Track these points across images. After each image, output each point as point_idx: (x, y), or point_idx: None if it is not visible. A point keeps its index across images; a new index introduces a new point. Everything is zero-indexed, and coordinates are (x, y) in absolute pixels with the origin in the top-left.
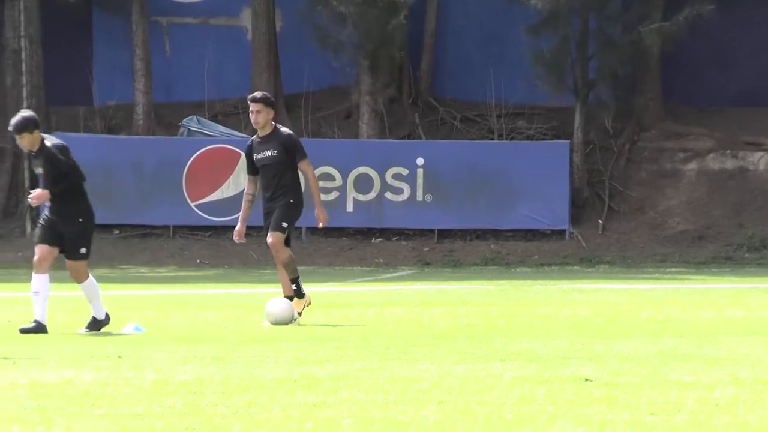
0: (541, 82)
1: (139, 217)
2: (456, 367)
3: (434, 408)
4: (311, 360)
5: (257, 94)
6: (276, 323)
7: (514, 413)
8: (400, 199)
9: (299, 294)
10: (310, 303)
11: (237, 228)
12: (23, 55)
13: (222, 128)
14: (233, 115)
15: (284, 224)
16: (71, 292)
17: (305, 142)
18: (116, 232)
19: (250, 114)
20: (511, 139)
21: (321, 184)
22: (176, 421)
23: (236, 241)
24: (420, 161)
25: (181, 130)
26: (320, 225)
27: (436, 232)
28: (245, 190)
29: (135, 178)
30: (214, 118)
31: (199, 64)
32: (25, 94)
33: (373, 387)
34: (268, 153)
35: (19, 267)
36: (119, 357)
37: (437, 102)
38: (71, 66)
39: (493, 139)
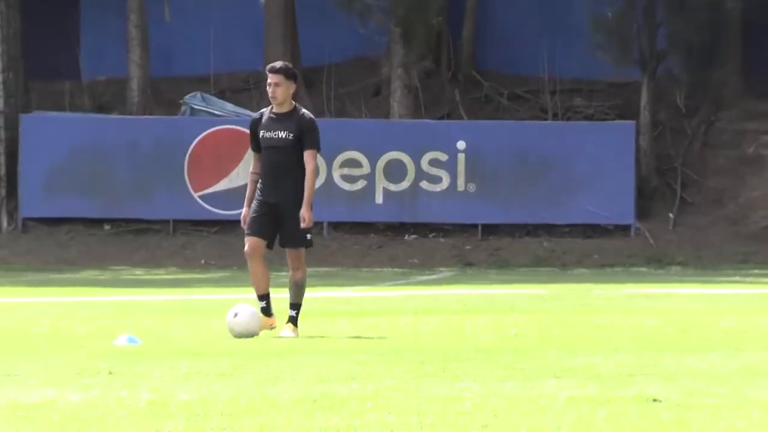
0: (603, 53)
1: (133, 210)
2: (502, 385)
3: None
4: (334, 377)
5: (277, 63)
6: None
7: None
8: (437, 189)
9: (295, 321)
10: (273, 327)
11: (244, 213)
12: None
13: (230, 106)
14: (243, 91)
15: (309, 236)
16: (58, 297)
17: (327, 122)
18: (107, 227)
19: (267, 87)
20: (568, 119)
21: (345, 171)
22: None
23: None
24: (461, 145)
25: (183, 108)
26: (303, 226)
27: (479, 227)
28: (251, 170)
29: (129, 165)
30: (220, 95)
31: (203, 32)
32: (0, 66)
33: (406, 409)
34: (282, 134)
35: None
36: (110, 373)
37: (481, 76)
38: (55, 34)
39: (546, 119)
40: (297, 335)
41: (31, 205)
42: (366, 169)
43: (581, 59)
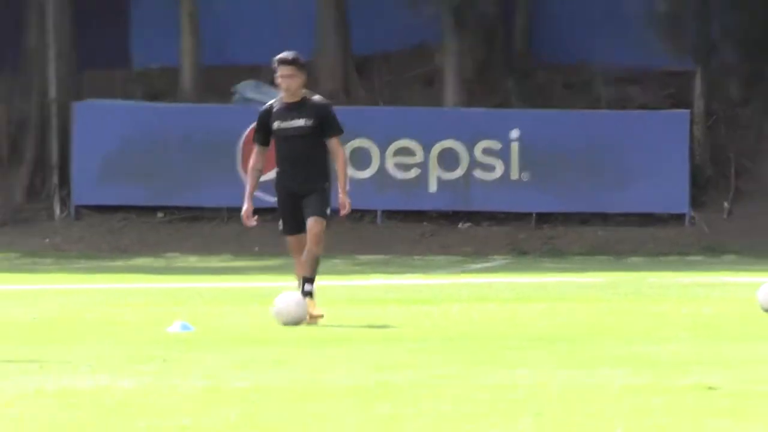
0: (657, 42)
1: (187, 197)
2: (556, 373)
3: (530, 421)
4: (388, 365)
5: (287, 55)
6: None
7: (624, 428)
8: (491, 178)
9: (311, 294)
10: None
11: (245, 208)
12: (49, 10)
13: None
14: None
15: (328, 210)
16: (111, 284)
17: (380, 110)
18: (160, 215)
19: (278, 79)
20: (622, 108)
21: (398, 159)
22: None
23: (247, 225)
24: (515, 134)
25: (235, 96)
26: (342, 213)
27: (533, 216)
28: (252, 164)
29: (182, 153)
30: (273, 83)
31: (255, 21)
32: (51, 55)
33: (459, 397)
34: (300, 122)
35: (46, 255)
36: (164, 360)
37: (534, 65)
38: (107, 22)
39: (600, 108)
40: (322, 314)
41: (84, 192)
42: (419, 157)
43: (635, 48)
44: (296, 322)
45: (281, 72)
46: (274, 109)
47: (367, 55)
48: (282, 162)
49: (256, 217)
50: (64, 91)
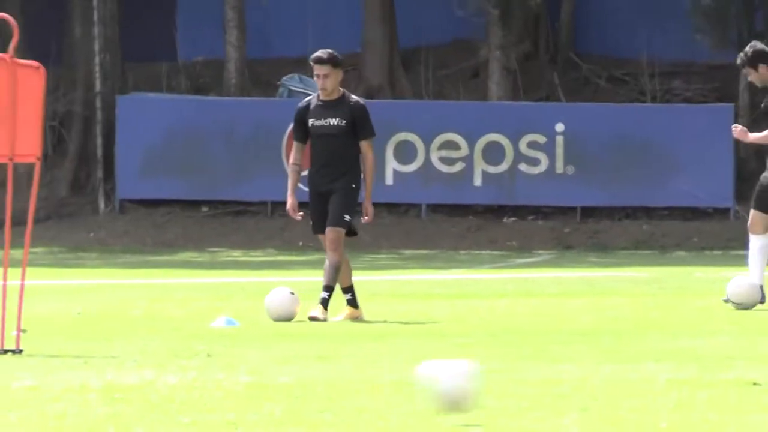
0: (701, 36)
1: (231, 191)
2: (601, 368)
3: (576, 416)
4: (432, 359)
5: (322, 53)
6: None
7: (669, 422)
8: (536, 172)
9: (326, 303)
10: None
11: (290, 203)
12: (95, 2)
13: None
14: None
15: (346, 217)
16: (155, 279)
17: (425, 104)
18: (205, 209)
19: (315, 78)
20: (666, 101)
21: (443, 153)
22: (275, 431)
23: (294, 218)
24: (560, 127)
25: (281, 90)
26: (364, 220)
27: (578, 210)
28: (292, 159)
29: (226, 146)
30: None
31: (301, 13)
32: (97, 47)
33: (503, 391)
34: (334, 121)
35: (90, 250)
36: (208, 356)
37: (579, 59)
38: (151, 15)
39: (644, 101)
40: (326, 318)
41: (128, 186)
42: (464, 151)
43: (680, 41)
44: (287, 318)
45: (316, 71)
46: (311, 106)
47: (412, 48)
48: (314, 160)
49: (301, 212)
50: (110, 84)
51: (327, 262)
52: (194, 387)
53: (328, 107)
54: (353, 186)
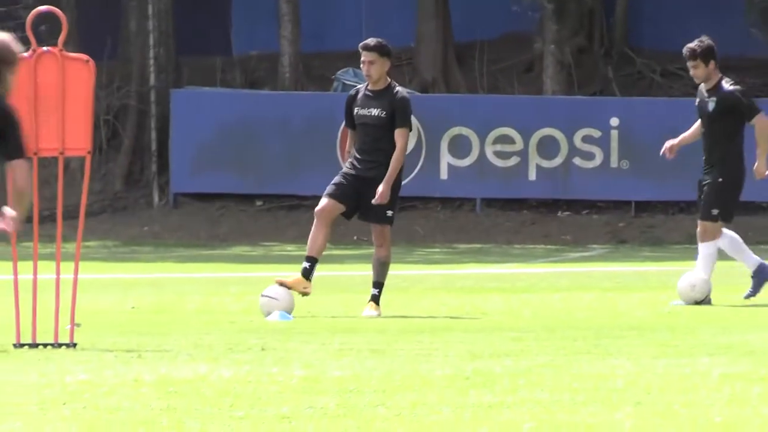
0: (755, 30)
1: (285, 185)
2: (655, 362)
3: (630, 410)
4: (486, 354)
5: (370, 41)
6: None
7: (723, 416)
8: (590, 166)
9: (377, 300)
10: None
11: None
12: None
13: None
14: (395, 67)
15: (389, 212)
16: (209, 273)
17: (480, 98)
18: (259, 203)
19: (361, 65)
20: None
21: (498, 147)
22: (329, 424)
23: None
24: (614, 122)
25: (335, 84)
26: (374, 201)
27: (633, 204)
28: (347, 148)
29: (281, 140)
30: None
31: (355, 7)
32: (151, 41)
33: (558, 385)
34: (374, 112)
35: (144, 244)
36: (262, 349)
37: (634, 53)
38: (206, 9)
39: None
40: (379, 314)
41: (182, 180)
42: (519, 145)
43: (734, 36)
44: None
45: (363, 57)
46: (359, 95)
47: (466, 42)
48: (357, 147)
49: None
50: (164, 78)
51: (375, 257)
52: (248, 381)
53: (372, 97)
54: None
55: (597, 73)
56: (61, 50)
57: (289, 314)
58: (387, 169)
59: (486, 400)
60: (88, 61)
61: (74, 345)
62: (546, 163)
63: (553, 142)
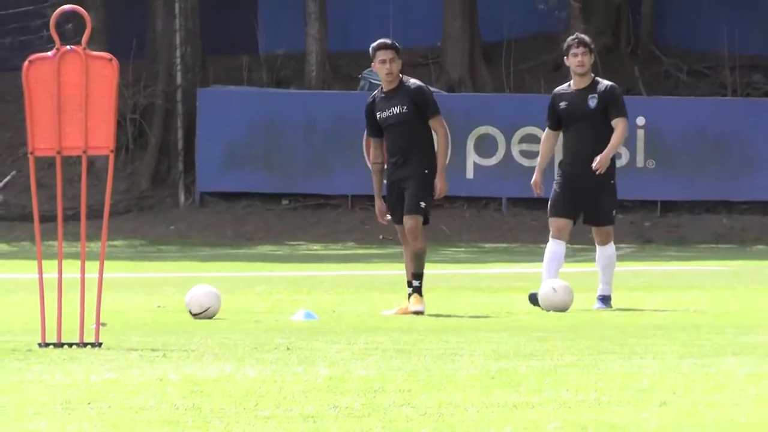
0: None
1: (311, 185)
2: (681, 362)
3: (655, 410)
4: (512, 354)
5: (385, 40)
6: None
7: (748, 416)
8: (617, 165)
9: (419, 290)
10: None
11: (377, 206)
12: None
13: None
14: (421, 66)
15: (422, 204)
16: (235, 272)
17: (507, 97)
18: (285, 202)
19: (380, 63)
20: (747, 95)
21: (524, 146)
22: (354, 424)
23: (382, 222)
24: (640, 121)
25: (361, 83)
26: (436, 197)
27: (659, 204)
28: (372, 159)
29: (307, 139)
30: None
31: (382, 6)
32: (178, 40)
33: (583, 385)
34: (396, 110)
35: (170, 243)
36: (287, 349)
37: (660, 52)
38: (232, 8)
39: (725, 95)
40: (425, 304)
41: (209, 179)
42: None
43: (761, 35)
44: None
45: (381, 56)
46: (376, 101)
47: (493, 41)
48: (389, 152)
49: (388, 216)
50: (190, 77)
51: (410, 252)
52: (273, 380)
53: (390, 97)
54: (426, 171)
55: (623, 72)
56: (84, 49)
57: (315, 314)
58: (420, 164)
59: (511, 400)
60: (111, 59)
61: (99, 344)
62: None
63: None
